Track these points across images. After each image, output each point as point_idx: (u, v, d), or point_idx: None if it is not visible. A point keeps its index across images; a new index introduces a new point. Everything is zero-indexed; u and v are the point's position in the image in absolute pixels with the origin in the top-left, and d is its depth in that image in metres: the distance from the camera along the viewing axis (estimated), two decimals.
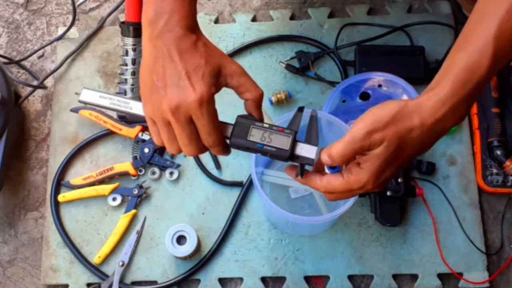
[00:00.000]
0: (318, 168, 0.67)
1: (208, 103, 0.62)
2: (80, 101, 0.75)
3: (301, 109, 0.69)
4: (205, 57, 0.63)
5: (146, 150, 1.01)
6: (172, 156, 1.02)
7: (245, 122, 0.67)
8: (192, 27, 0.64)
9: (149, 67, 0.64)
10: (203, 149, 0.66)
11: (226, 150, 0.68)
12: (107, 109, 0.74)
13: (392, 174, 0.64)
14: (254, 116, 0.68)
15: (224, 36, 1.08)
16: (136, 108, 0.71)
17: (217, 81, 0.64)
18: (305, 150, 0.66)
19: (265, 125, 0.67)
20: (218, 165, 1.01)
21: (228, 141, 0.67)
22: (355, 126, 0.62)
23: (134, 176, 1.01)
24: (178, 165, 1.01)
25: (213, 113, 0.64)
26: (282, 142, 0.66)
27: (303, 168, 0.67)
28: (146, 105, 0.65)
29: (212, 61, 0.64)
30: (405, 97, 0.97)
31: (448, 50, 1.02)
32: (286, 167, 0.69)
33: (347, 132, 0.62)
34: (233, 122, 0.68)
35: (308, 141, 0.67)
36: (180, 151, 0.67)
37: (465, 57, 0.61)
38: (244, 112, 0.68)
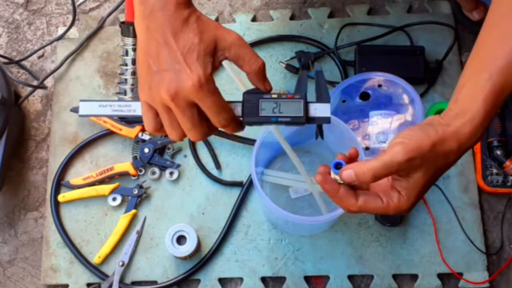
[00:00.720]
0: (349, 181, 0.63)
1: (207, 84, 0.61)
2: (80, 116, 0.70)
3: (304, 67, 0.68)
4: (198, 34, 0.62)
5: (146, 150, 1.01)
6: (172, 156, 1.02)
7: (252, 97, 0.65)
8: (184, 2, 0.63)
9: (143, 50, 0.63)
10: (207, 132, 0.65)
11: (240, 126, 0.66)
12: (110, 117, 0.69)
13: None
14: (259, 88, 0.66)
15: None
16: (139, 110, 0.68)
17: (214, 58, 0.63)
18: (319, 110, 0.65)
19: (273, 95, 0.65)
20: (218, 165, 1.01)
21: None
22: (394, 148, 0.61)
23: (134, 176, 1.01)
24: (178, 165, 1.01)
25: (215, 92, 0.62)
26: (294, 109, 0.65)
27: (321, 129, 0.66)
28: (143, 88, 0.64)
29: (207, 37, 0.62)
30: (405, 97, 0.97)
31: (448, 50, 1.02)
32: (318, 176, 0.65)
33: (385, 152, 0.61)
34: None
35: (319, 99, 0.66)
36: (182, 137, 0.65)
37: (491, 81, 0.62)
38: None
